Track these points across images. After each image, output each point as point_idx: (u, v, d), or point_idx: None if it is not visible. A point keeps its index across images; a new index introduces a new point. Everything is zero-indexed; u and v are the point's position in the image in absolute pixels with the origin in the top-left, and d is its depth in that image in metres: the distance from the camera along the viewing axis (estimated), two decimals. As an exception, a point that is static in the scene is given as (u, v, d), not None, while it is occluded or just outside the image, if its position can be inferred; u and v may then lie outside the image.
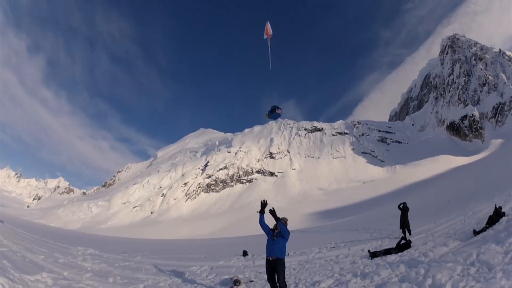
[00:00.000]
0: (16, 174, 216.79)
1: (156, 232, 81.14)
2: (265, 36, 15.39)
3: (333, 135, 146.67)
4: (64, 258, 11.99)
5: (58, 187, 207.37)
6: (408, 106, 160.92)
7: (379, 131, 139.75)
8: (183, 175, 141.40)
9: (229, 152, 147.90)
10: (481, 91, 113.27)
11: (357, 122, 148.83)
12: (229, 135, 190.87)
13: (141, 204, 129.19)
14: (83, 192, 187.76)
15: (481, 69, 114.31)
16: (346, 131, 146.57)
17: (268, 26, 15.29)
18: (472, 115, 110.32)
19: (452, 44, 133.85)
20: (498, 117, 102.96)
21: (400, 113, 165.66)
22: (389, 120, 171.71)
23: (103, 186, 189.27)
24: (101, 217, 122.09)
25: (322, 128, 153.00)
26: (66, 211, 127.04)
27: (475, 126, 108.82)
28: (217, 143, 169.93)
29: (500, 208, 12.23)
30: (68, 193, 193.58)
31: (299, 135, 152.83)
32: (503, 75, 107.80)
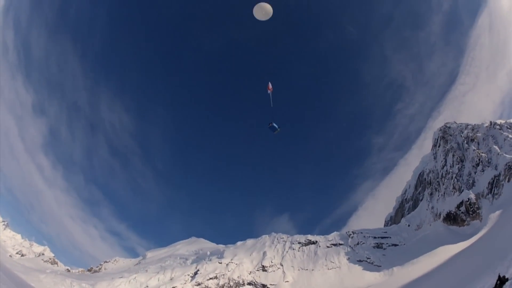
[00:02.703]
0: (4, 221, 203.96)
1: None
2: (268, 91, 21.49)
3: (328, 247, 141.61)
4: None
5: (43, 254, 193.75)
6: (403, 208, 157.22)
7: (375, 237, 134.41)
8: (171, 279, 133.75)
9: (221, 263, 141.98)
10: (475, 172, 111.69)
11: (352, 232, 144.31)
12: (221, 246, 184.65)
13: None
14: (67, 269, 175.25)
15: (474, 149, 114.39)
16: (341, 242, 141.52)
17: (270, 84, 21.60)
18: (468, 199, 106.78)
19: (444, 135, 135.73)
20: (494, 190, 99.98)
21: (396, 217, 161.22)
22: (385, 225, 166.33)
23: (88, 270, 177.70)
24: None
25: (316, 241, 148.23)
26: (48, 279, 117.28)
27: (471, 209, 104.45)
28: (208, 253, 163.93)
29: (504, 276, 11.92)
30: (52, 264, 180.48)
31: (293, 249, 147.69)
32: (495, 147, 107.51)
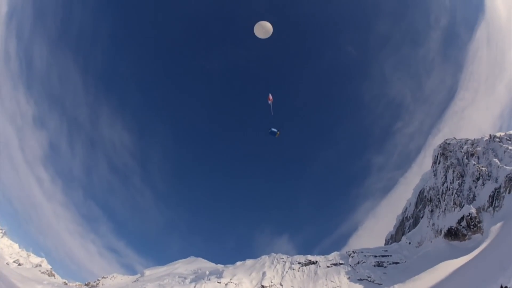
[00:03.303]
0: (2, 230, 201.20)
1: None
2: (268, 102, 23.81)
3: (328, 266, 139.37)
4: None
5: (40, 265, 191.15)
6: (403, 226, 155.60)
7: (375, 256, 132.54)
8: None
9: (219, 282, 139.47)
10: (475, 187, 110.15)
11: (352, 251, 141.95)
12: (220, 266, 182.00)
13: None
14: (65, 282, 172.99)
15: (474, 164, 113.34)
16: (341, 261, 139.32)
17: (270, 95, 24.02)
18: (469, 213, 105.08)
19: (444, 151, 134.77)
20: (495, 203, 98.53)
21: (396, 235, 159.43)
22: (385, 244, 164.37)
23: (86, 285, 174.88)
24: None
25: (317, 261, 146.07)
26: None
27: (473, 223, 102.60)
28: (207, 272, 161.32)
29: (506, 287, 12.18)
30: (49, 276, 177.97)
31: (293, 269, 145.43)
32: (495, 160, 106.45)
